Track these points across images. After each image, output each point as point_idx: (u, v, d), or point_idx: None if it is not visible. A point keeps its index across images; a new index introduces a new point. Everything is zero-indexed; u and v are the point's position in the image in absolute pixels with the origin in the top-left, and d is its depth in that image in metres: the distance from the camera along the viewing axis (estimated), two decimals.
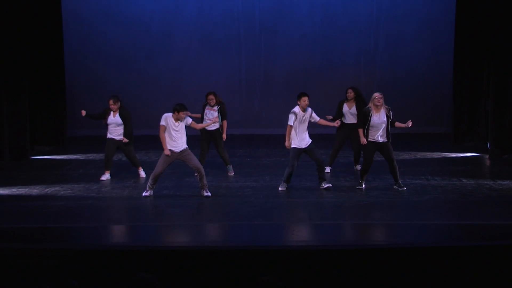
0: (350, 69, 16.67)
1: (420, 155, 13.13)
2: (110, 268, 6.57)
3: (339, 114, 11.15)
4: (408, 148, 13.81)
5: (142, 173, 10.95)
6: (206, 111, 10.94)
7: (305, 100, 9.83)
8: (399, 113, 16.78)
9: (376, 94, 9.80)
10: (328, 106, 16.06)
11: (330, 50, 16.83)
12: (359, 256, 6.67)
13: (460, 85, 14.30)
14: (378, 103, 9.70)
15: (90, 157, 13.15)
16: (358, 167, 11.16)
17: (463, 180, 10.42)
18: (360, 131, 9.77)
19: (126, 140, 10.73)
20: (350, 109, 11.14)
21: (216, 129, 10.86)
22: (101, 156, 13.14)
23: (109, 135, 10.89)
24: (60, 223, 8.18)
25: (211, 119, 10.69)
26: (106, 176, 10.84)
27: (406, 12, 16.67)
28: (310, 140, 9.85)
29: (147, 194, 9.51)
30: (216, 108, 10.88)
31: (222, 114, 10.88)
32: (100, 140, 15.67)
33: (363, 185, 9.93)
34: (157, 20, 16.75)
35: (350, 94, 11.17)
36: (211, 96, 10.90)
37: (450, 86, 15.04)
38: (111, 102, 10.76)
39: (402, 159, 12.57)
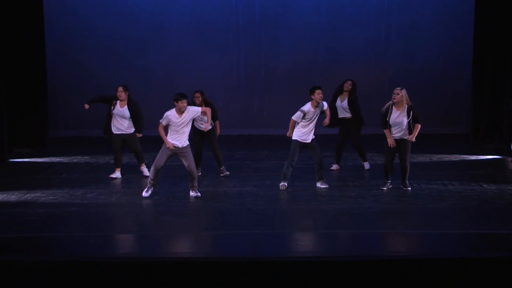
0: (359, 63, 16.68)
1: (436, 157, 13.13)
2: (96, 282, 6.56)
3: (333, 108, 11.52)
4: (423, 150, 13.80)
5: (145, 171, 11.16)
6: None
7: (319, 93, 10.14)
8: None
9: (395, 90, 9.93)
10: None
11: (337, 43, 16.85)
12: (369, 268, 6.66)
13: (480, 80, 14.30)
14: (394, 100, 9.82)
15: (74, 160, 13.15)
16: (366, 164, 11.73)
17: (484, 185, 10.42)
18: (386, 132, 9.93)
19: (140, 135, 11.17)
20: (341, 102, 11.57)
21: (210, 129, 10.99)
22: (86, 158, 13.21)
23: (116, 131, 11.09)
24: (41, 232, 8.17)
25: (203, 123, 10.87)
26: (116, 174, 11.19)
27: (420, 1, 16.68)
28: (314, 136, 10.23)
29: (147, 194, 9.74)
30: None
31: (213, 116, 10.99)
32: (86, 141, 15.75)
33: (386, 186, 10.11)
34: (148, 9, 16.77)
35: (348, 86, 11.60)
36: (197, 94, 11.08)
37: (469, 82, 15.03)
38: (120, 89, 11.05)
39: (417, 162, 12.57)
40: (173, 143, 9.53)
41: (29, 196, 9.94)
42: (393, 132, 9.89)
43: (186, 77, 16.81)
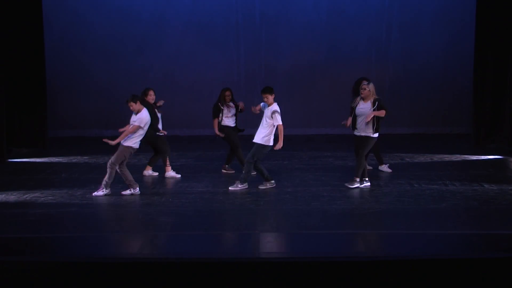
0: (359, 62, 16.69)
1: (437, 157, 13.14)
2: (95, 282, 6.58)
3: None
4: (424, 150, 13.82)
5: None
6: (228, 110, 11.51)
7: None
8: (413, 111, 16.91)
9: (362, 85, 10.27)
10: (335, 103, 16.15)
11: (337, 42, 16.86)
12: (369, 268, 6.68)
13: (481, 80, 14.32)
14: (362, 94, 10.18)
15: (74, 160, 13.16)
16: (384, 167, 11.60)
17: (485, 185, 10.43)
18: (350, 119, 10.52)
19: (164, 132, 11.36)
20: None
21: (235, 126, 11.62)
22: (85, 158, 13.22)
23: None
24: (40, 232, 8.18)
25: (229, 116, 11.49)
26: (149, 172, 11.49)
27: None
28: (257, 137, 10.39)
29: (100, 193, 9.87)
30: (234, 105, 11.58)
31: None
32: (85, 141, 15.75)
33: (365, 183, 10.33)
34: (148, 8, 16.79)
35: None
36: (228, 93, 11.47)
37: (470, 81, 15.05)
38: (151, 92, 11.34)
39: (418, 162, 12.59)
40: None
41: (28, 196, 9.96)
42: (357, 126, 10.14)
43: (186, 76, 16.85)
